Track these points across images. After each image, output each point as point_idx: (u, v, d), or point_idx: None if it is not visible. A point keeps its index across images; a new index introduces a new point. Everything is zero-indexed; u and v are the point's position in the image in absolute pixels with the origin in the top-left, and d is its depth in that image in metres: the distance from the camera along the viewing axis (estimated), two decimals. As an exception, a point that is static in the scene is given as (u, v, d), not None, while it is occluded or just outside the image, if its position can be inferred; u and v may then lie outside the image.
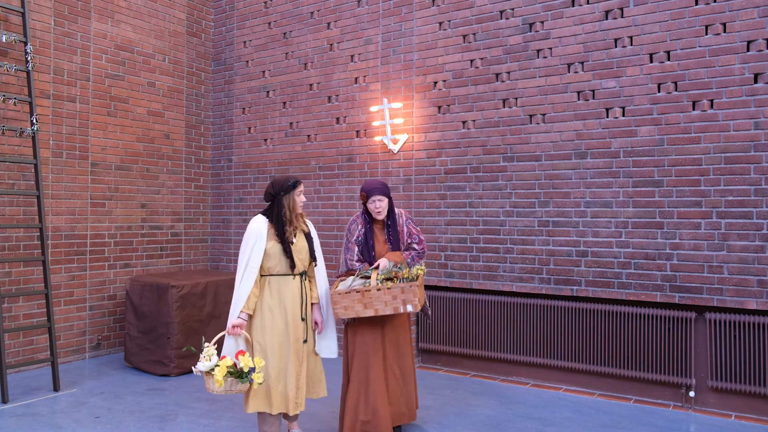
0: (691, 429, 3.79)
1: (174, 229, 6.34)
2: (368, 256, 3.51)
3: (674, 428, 3.79)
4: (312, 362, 3.35)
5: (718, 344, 4.06)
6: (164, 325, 4.94)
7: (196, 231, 6.57)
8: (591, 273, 4.49)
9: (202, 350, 3.00)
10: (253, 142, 6.40)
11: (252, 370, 2.96)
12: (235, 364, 2.95)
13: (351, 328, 3.50)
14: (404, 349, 3.57)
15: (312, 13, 5.98)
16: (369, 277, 3.33)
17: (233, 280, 5.46)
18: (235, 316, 3.15)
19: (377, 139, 5.50)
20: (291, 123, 6.11)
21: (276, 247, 3.20)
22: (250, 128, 6.44)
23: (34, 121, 4.72)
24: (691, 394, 4.14)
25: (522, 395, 4.48)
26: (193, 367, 3.02)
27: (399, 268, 3.33)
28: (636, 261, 4.32)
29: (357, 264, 3.49)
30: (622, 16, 4.40)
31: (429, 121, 5.23)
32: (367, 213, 3.57)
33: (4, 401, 4.21)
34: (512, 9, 4.83)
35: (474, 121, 5.00)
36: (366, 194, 3.48)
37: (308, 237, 3.35)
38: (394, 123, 5.37)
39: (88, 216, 5.55)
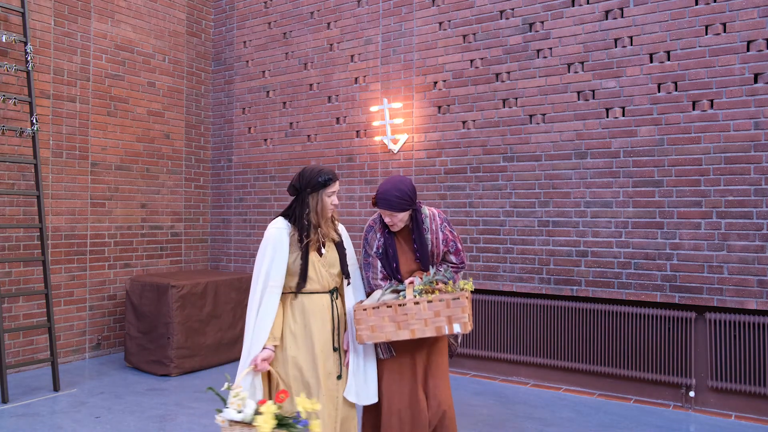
0: (691, 429, 3.79)
1: (174, 229, 6.34)
2: (391, 271, 2.73)
3: (674, 428, 3.79)
4: (346, 409, 2.60)
5: (718, 344, 4.06)
6: (164, 325, 4.94)
7: (196, 231, 6.57)
8: (591, 273, 4.49)
9: (227, 392, 2.32)
10: (253, 142, 6.40)
11: (303, 418, 2.25)
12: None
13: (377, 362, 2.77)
14: (441, 380, 2.75)
15: (312, 13, 5.98)
16: (401, 291, 2.63)
17: (233, 280, 5.46)
18: (257, 348, 2.46)
19: (377, 139, 5.50)
20: (291, 123, 6.11)
21: (299, 262, 2.55)
22: (250, 128, 6.44)
23: (34, 121, 4.72)
24: (691, 394, 4.14)
25: (522, 395, 4.48)
26: (217, 417, 2.24)
27: (443, 276, 2.64)
28: (636, 261, 4.31)
29: (383, 284, 2.74)
30: (622, 16, 4.40)
31: (429, 121, 5.23)
32: None
33: (4, 401, 4.21)
34: (512, 9, 4.83)
35: (474, 121, 5.00)
36: (375, 201, 2.72)
37: (340, 247, 2.67)
38: (394, 123, 5.37)
39: (88, 216, 5.55)
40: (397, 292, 2.65)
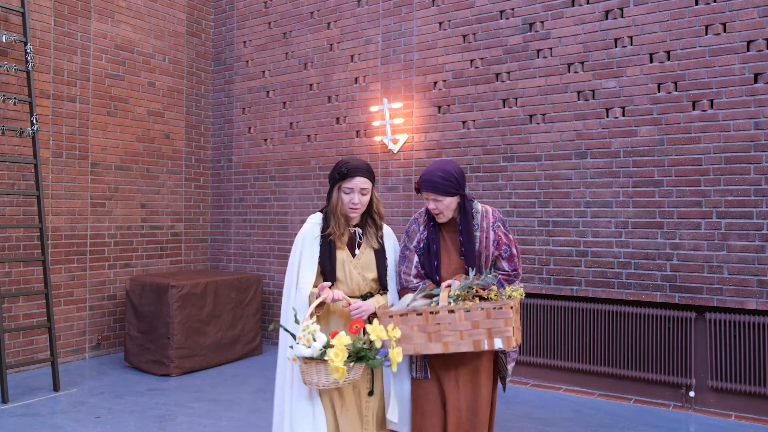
0: (691, 429, 3.79)
1: (174, 229, 6.34)
2: (430, 268, 2.42)
3: (674, 428, 3.79)
4: (377, 430, 2.36)
5: (718, 344, 4.06)
6: (164, 325, 4.94)
7: (196, 231, 6.57)
8: (591, 273, 4.49)
9: (296, 328, 2.11)
10: (253, 142, 6.40)
11: (382, 345, 2.03)
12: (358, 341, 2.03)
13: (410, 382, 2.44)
14: (482, 406, 2.37)
15: (312, 13, 5.98)
16: (435, 297, 2.31)
17: (233, 280, 5.46)
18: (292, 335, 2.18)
19: (377, 139, 5.50)
20: (291, 123, 6.11)
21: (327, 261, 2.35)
22: (250, 128, 6.44)
23: (34, 121, 4.72)
24: (691, 394, 4.14)
25: (522, 395, 4.48)
26: (289, 357, 2.13)
27: (483, 281, 2.26)
28: (636, 261, 4.31)
29: (415, 280, 2.43)
30: (622, 16, 4.40)
31: (429, 121, 5.23)
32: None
33: (4, 401, 4.21)
34: (512, 9, 4.83)
35: (474, 121, 5.00)
36: (419, 187, 2.42)
37: (377, 252, 2.43)
38: (394, 123, 5.37)
39: (88, 216, 5.55)
40: (431, 297, 2.30)
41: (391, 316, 2.18)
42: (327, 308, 2.33)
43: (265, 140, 6.30)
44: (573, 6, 4.60)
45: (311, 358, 2.00)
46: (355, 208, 2.37)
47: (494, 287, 2.27)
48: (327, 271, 2.33)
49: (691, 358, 4.14)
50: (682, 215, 4.16)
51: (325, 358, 1.96)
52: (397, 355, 1.98)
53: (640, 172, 4.31)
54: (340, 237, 2.37)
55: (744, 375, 3.97)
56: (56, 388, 4.50)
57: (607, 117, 4.45)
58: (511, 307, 2.09)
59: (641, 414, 4.06)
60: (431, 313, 2.15)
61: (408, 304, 2.26)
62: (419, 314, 2.16)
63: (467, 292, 2.22)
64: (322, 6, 5.91)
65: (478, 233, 2.42)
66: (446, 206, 2.37)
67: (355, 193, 2.35)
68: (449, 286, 2.27)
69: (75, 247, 5.44)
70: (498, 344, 2.10)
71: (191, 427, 3.78)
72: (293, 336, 2.09)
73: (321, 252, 2.35)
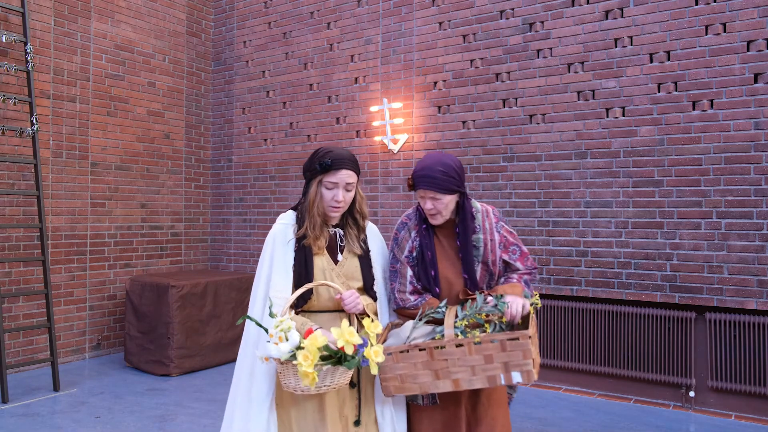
0: (691, 429, 3.79)
1: (174, 229, 6.34)
2: (427, 280, 2.10)
3: (674, 428, 3.79)
4: None
5: (718, 344, 4.06)
6: (164, 325, 4.94)
7: (196, 231, 6.57)
8: (591, 273, 4.49)
9: (267, 323, 1.88)
10: (253, 142, 6.40)
11: (363, 344, 1.77)
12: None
13: (412, 409, 2.13)
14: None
15: (312, 13, 5.98)
16: (438, 322, 2.01)
17: (233, 280, 5.46)
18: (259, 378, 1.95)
19: (377, 139, 5.50)
20: (291, 123, 6.11)
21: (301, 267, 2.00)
22: (250, 128, 6.44)
23: (34, 121, 4.72)
24: (691, 394, 4.14)
25: (522, 395, 4.48)
26: (258, 354, 1.83)
27: (496, 306, 1.94)
28: (636, 261, 4.31)
29: (412, 298, 2.10)
30: (622, 16, 4.40)
31: (429, 121, 5.23)
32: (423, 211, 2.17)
33: (4, 401, 4.21)
34: (512, 9, 4.83)
35: (474, 121, 5.00)
36: (413, 182, 2.10)
37: (363, 258, 2.08)
38: (394, 123, 5.37)
39: (88, 216, 5.55)
40: (435, 322, 2.00)
41: (390, 354, 1.89)
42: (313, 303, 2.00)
43: (265, 140, 6.30)
44: (573, 6, 4.60)
45: (285, 360, 1.75)
46: (338, 207, 2.01)
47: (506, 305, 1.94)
48: (302, 280, 1.95)
49: (691, 358, 4.14)
50: (682, 215, 4.16)
51: (294, 362, 1.72)
52: (375, 354, 1.75)
53: (640, 172, 4.31)
54: (315, 240, 2.00)
55: (744, 375, 3.97)
56: (56, 388, 4.50)
57: (607, 117, 4.45)
58: (529, 337, 1.82)
59: (641, 414, 4.06)
60: (437, 347, 1.86)
61: (408, 336, 1.94)
62: (422, 350, 1.87)
63: (474, 318, 1.92)
64: (322, 6, 5.91)
65: (481, 235, 2.13)
66: (445, 206, 2.07)
67: (340, 189, 1.98)
68: (469, 300, 1.98)
69: (75, 247, 5.44)
70: (517, 378, 1.85)
71: (191, 427, 3.78)
72: (266, 331, 1.84)
73: (296, 258, 1.99)
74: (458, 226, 2.13)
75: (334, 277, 2.02)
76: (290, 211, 2.10)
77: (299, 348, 1.72)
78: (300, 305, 1.97)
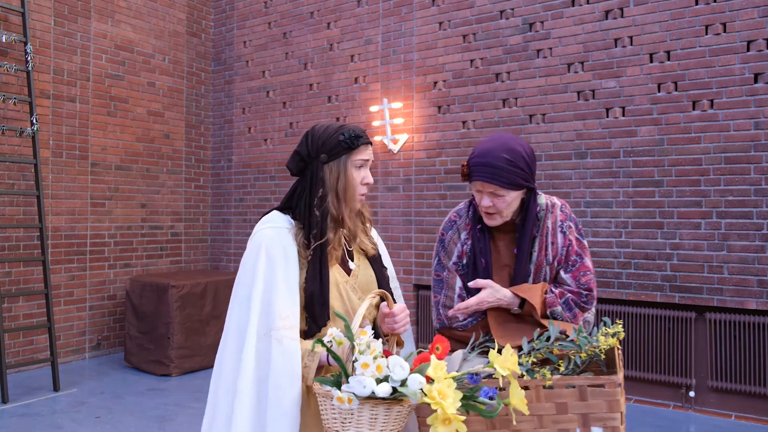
0: (691, 429, 3.79)
1: (174, 229, 6.34)
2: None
3: (674, 428, 3.79)
4: None
5: (718, 344, 4.06)
6: (164, 325, 4.94)
7: (196, 231, 6.57)
8: (591, 273, 4.48)
9: (347, 344, 1.30)
10: (253, 142, 6.40)
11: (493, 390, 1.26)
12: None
13: None
14: None
15: (312, 13, 5.98)
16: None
17: (233, 280, 5.44)
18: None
19: (377, 139, 5.50)
20: (291, 123, 6.11)
21: (313, 284, 1.51)
22: (250, 128, 6.44)
23: (34, 121, 4.72)
24: (691, 394, 4.14)
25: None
26: (337, 396, 1.21)
27: (579, 343, 1.45)
28: (636, 261, 4.31)
29: (461, 317, 1.68)
30: (622, 16, 4.40)
31: (429, 121, 5.23)
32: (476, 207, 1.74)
33: (4, 401, 4.21)
34: (512, 9, 4.83)
35: (474, 121, 5.00)
36: (468, 170, 1.66)
37: (376, 261, 1.65)
38: (394, 123, 5.37)
39: (88, 216, 5.55)
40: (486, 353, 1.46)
41: None
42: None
43: (265, 140, 6.30)
44: (573, 6, 4.60)
45: (370, 397, 1.19)
46: (364, 193, 1.59)
47: (584, 338, 1.44)
48: (315, 302, 1.49)
49: (691, 358, 4.14)
50: (682, 215, 4.16)
51: (423, 400, 1.18)
52: (519, 401, 1.26)
53: (640, 172, 4.31)
54: (338, 245, 1.56)
55: (744, 375, 3.97)
56: (56, 388, 4.50)
57: (607, 117, 4.45)
58: (619, 385, 1.36)
59: (641, 414, 4.06)
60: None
61: (458, 371, 1.37)
62: None
63: (542, 353, 1.44)
64: (322, 6, 5.91)
65: (538, 238, 1.70)
66: (507, 204, 1.62)
67: (367, 170, 1.57)
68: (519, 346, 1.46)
69: (75, 247, 5.44)
70: None
71: (191, 427, 3.78)
72: (344, 370, 1.27)
73: (310, 272, 1.50)
74: (518, 230, 1.68)
75: (350, 291, 1.57)
76: (275, 211, 1.65)
77: (403, 384, 1.19)
78: (313, 332, 1.51)
